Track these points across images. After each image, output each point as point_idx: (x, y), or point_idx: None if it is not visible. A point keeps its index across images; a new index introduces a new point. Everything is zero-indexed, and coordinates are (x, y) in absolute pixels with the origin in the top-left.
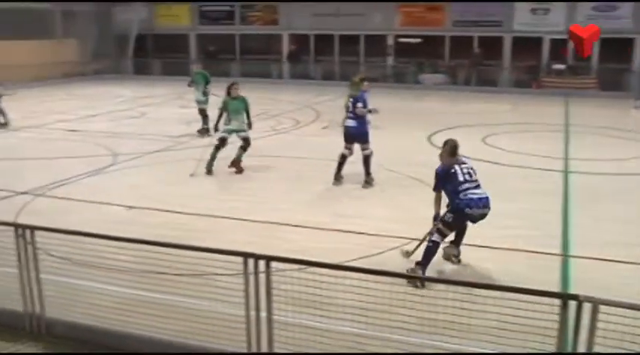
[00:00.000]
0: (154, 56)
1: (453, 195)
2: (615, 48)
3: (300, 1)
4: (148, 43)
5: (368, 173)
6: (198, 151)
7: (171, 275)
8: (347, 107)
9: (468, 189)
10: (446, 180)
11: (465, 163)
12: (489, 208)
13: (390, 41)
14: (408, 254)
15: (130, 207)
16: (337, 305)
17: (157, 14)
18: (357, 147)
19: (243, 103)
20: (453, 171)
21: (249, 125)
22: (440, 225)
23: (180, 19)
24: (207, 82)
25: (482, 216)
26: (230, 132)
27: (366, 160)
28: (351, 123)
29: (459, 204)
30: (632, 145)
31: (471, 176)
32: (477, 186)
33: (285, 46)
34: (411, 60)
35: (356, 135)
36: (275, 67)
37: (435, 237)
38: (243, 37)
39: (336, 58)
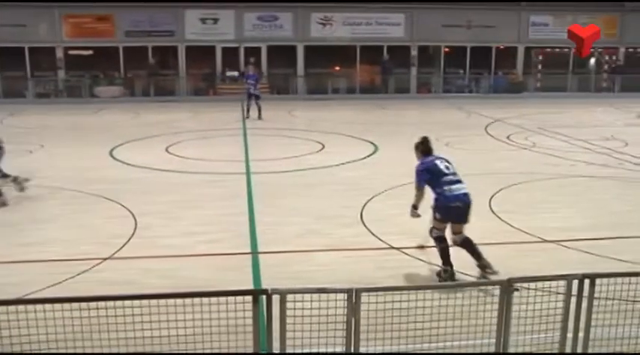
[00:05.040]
0: None
1: (437, 189)
2: (281, 55)
3: None
4: None
5: None
6: None
7: None
8: None
9: (451, 182)
10: (427, 174)
11: (443, 158)
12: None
13: (60, 54)
14: (422, 247)
15: None
16: (32, 342)
17: None
18: None
19: None
20: (433, 165)
21: None
22: (432, 225)
23: None
24: None
25: (468, 209)
26: None
27: None
28: None
29: (443, 200)
30: (304, 143)
31: (448, 169)
32: (458, 181)
33: None
34: (84, 73)
35: None
36: None
37: (435, 233)
38: None
39: None
